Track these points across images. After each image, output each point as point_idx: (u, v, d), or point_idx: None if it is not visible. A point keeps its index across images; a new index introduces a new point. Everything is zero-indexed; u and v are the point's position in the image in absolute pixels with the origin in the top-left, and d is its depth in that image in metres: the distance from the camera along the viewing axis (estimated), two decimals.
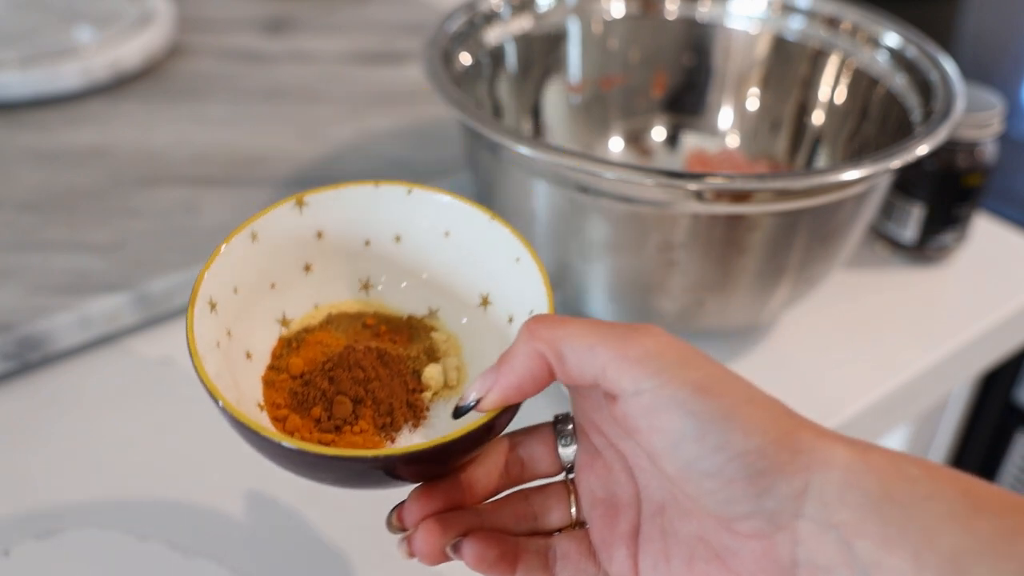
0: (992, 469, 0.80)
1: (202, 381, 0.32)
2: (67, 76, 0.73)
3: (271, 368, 0.38)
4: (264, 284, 0.38)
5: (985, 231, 0.68)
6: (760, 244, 0.48)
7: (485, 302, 0.41)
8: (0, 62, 0.72)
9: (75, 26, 0.79)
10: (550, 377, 0.31)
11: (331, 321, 0.40)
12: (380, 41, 0.85)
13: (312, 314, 0.40)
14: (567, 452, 0.34)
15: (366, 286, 0.42)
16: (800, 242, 0.49)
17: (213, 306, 0.35)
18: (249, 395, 0.36)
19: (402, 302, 0.42)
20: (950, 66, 0.54)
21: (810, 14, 0.61)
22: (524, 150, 0.45)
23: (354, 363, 0.37)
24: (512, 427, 0.35)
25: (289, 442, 0.31)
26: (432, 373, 0.38)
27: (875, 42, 0.59)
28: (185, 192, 0.64)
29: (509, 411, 0.33)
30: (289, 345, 0.38)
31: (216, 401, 0.32)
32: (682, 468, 0.28)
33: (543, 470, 0.35)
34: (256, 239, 0.38)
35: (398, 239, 0.41)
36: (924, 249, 0.63)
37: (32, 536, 0.44)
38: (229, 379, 0.35)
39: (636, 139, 0.67)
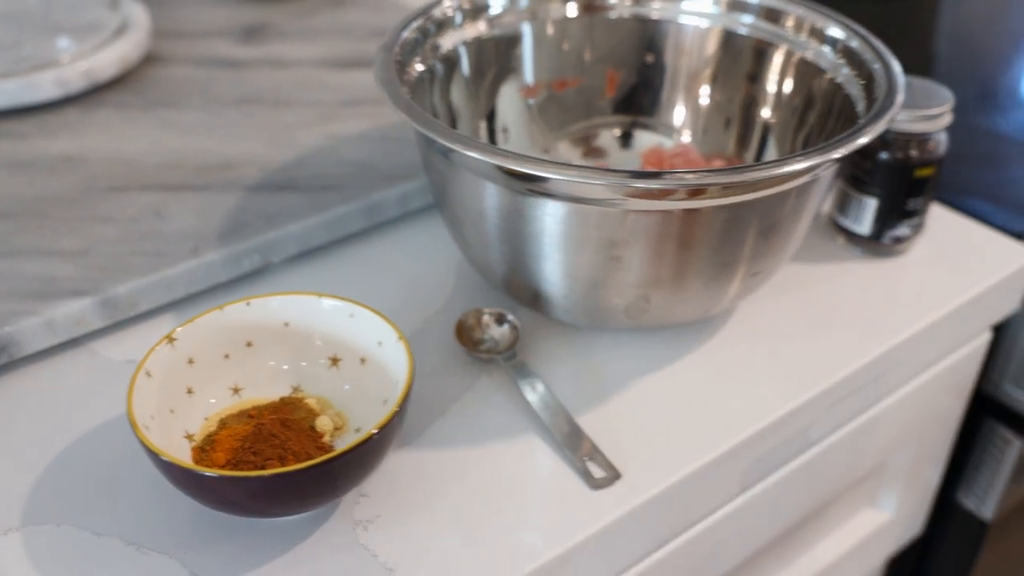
0: (961, 460, 0.80)
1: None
2: (43, 86, 0.74)
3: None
4: (165, 410, 0.46)
5: (943, 223, 0.69)
6: (704, 239, 0.49)
7: (335, 360, 0.51)
8: None
9: (51, 37, 0.80)
10: None
11: (225, 423, 0.48)
12: (355, 46, 0.86)
13: (206, 425, 0.48)
14: None
15: (236, 389, 0.50)
16: (745, 236, 0.49)
17: (147, 428, 0.43)
18: None
19: (269, 390, 0.51)
20: (892, 58, 0.55)
21: (758, 9, 0.62)
22: (472, 153, 0.46)
23: (267, 434, 0.46)
24: None
25: (269, 472, 0.40)
26: (323, 422, 0.48)
27: (820, 35, 0.59)
28: (154, 198, 0.65)
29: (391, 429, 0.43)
30: (203, 451, 0.46)
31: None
32: None
33: None
34: (150, 376, 0.46)
35: (249, 344, 0.50)
36: (880, 241, 0.64)
37: None
38: None
39: (592, 139, 0.68)
